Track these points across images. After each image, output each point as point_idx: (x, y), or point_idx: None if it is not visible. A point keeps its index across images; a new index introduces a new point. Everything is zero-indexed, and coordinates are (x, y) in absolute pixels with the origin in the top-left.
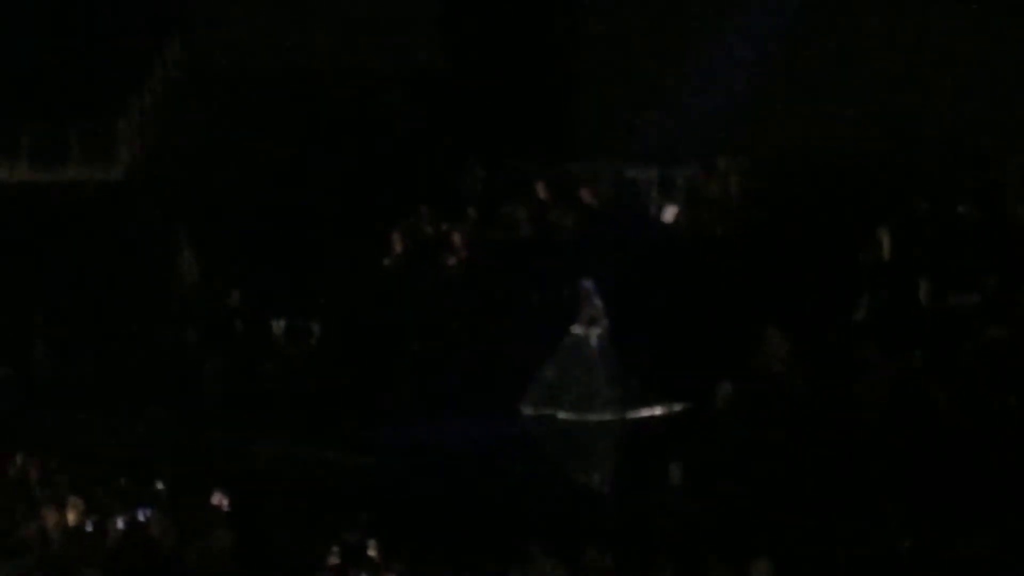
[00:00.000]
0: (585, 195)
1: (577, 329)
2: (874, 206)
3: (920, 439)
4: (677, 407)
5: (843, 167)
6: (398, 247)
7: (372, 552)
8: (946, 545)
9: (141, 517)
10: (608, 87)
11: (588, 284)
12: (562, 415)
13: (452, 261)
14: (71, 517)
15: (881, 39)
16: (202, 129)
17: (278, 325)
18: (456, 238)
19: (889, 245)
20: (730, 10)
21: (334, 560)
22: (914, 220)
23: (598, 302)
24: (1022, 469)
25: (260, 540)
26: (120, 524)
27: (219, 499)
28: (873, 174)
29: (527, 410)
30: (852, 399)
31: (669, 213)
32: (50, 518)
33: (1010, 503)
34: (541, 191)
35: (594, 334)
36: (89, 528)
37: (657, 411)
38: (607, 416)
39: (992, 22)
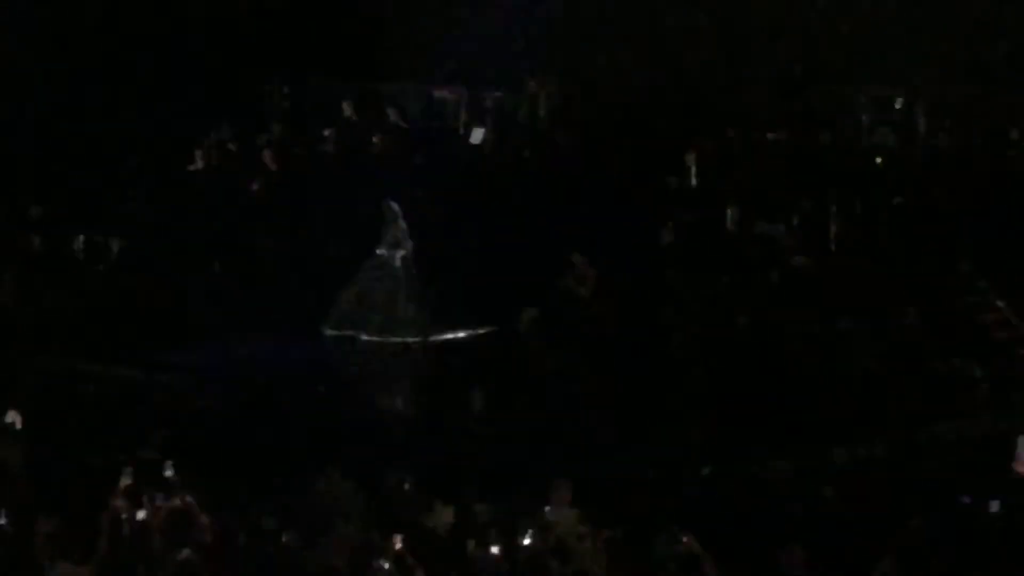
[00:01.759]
0: (392, 115)
1: (381, 250)
2: (683, 132)
3: (722, 364)
4: (481, 330)
5: (653, 92)
6: (201, 163)
7: (168, 472)
8: (744, 468)
9: None
10: (418, 6)
11: (394, 205)
12: (365, 337)
13: (256, 178)
14: None
15: None
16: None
17: (78, 241)
18: (262, 155)
19: (697, 171)
20: None
21: (128, 480)
22: (723, 146)
23: (403, 224)
24: (818, 395)
25: (54, 459)
26: None
27: (13, 417)
28: (683, 100)
29: (329, 331)
30: (657, 324)
31: (476, 135)
32: None
33: (807, 427)
34: (348, 110)
35: (398, 256)
36: None
37: (461, 334)
38: (410, 338)
39: None
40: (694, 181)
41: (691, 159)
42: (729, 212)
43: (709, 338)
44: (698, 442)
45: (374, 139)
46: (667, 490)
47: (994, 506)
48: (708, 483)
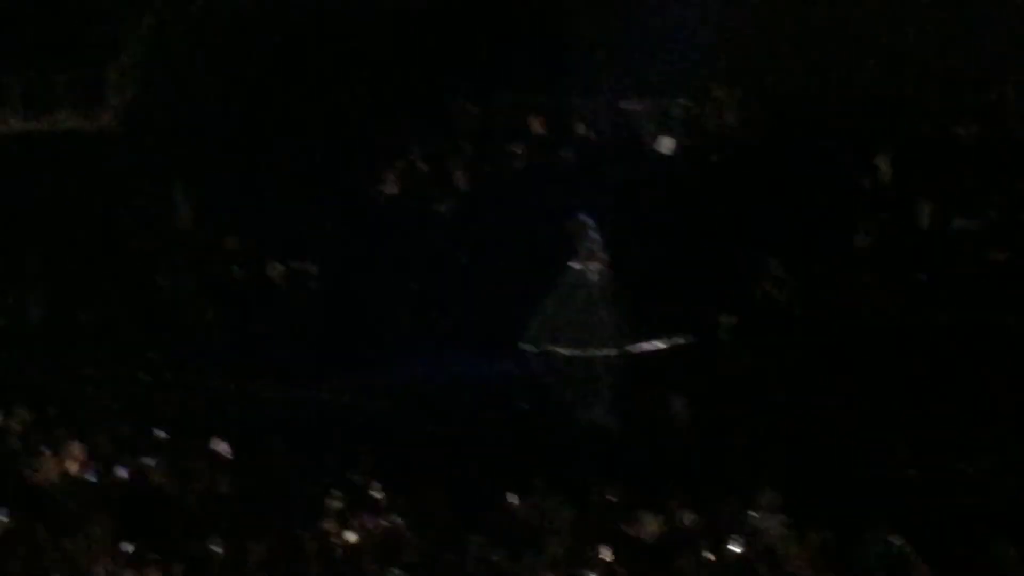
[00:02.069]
0: (581, 128)
1: (576, 264)
2: (872, 131)
3: (922, 364)
4: (679, 340)
5: (840, 94)
6: (393, 185)
7: (376, 493)
8: (950, 469)
9: (142, 464)
10: (602, 20)
11: (586, 218)
12: (563, 351)
13: (449, 197)
14: (73, 466)
15: None
16: (192, 73)
17: (275, 268)
18: (452, 174)
19: (888, 169)
20: None
21: (337, 503)
22: (913, 144)
23: (596, 236)
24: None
25: (262, 485)
26: (122, 472)
27: (220, 445)
28: (871, 99)
29: (527, 347)
30: (855, 325)
31: (665, 144)
32: (52, 467)
33: (1013, 427)
34: (536, 125)
35: (593, 269)
36: (91, 477)
37: (659, 344)
38: (608, 351)
39: None
40: (886, 180)
41: (882, 159)
42: (923, 210)
43: (909, 338)
44: (903, 443)
45: (563, 153)
46: (875, 492)
47: None
48: (916, 484)
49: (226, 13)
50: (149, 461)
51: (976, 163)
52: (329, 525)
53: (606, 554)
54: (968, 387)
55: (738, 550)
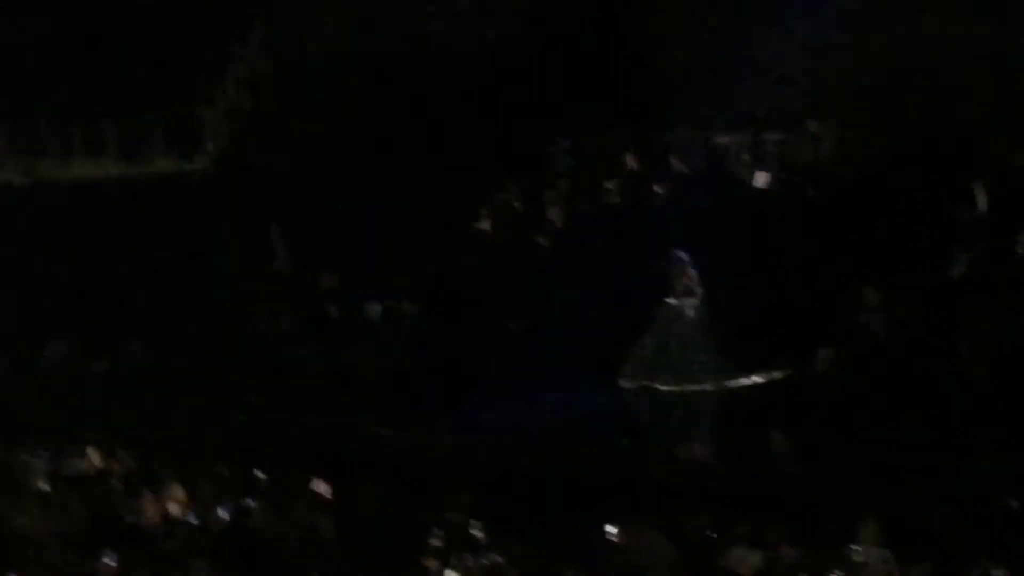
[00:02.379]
0: (676, 163)
1: (672, 300)
2: (968, 161)
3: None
4: (777, 374)
5: (934, 123)
6: (488, 224)
7: (476, 532)
8: None
9: (243, 506)
10: (695, 54)
11: (682, 254)
12: (661, 387)
13: (544, 235)
14: (174, 508)
15: None
16: (287, 116)
17: (372, 308)
18: (548, 212)
19: (985, 199)
20: None
21: (438, 542)
22: (1010, 173)
23: (692, 272)
24: None
25: (363, 525)
26: (223, 514)
27: (320, 485)
28: (965, 129)
29: (626, 383)
30: (955, 357)
31: (761, 179)
32: (152, 509)
33: None
34: (631, 161)
35: (689, 304)
36: (192, 519)
37: (757, 379)
38: (706, 386)
39: None
40: (983, 209)
41: (979, 188)
42: (1021, 239)
43: (1008, 368)
44: (1006, 474)
45: (658, 188)
46: (977, 524)
47: None
48: (1019, 515)
49: (322, 55)
50: (250, 502)
51: None
52: (430, 564)
53: None
54: None
55: None
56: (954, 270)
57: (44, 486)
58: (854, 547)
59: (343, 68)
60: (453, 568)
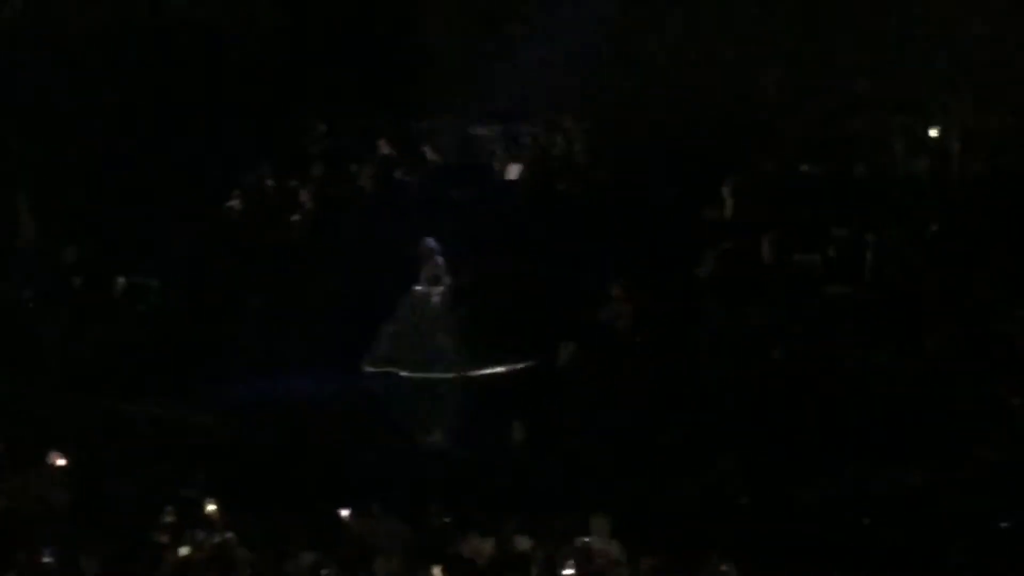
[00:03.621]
0: (429, 152)
1: (420, 287)
2: (718, 163)
3: (760, 397)
4: (520, 365)
5: (686, 125)
6: (240, 203)
7: (210, 509)
8: (783, 496)
9: None
10: (452, 44)
11: (431, 242)
12: (404, 373)
13: (296, 217)
14: None
15: None
16: (37, 84)
17: (118, 283)
18: (299, 194)
19: (732, 202)
20: None
21: (171, 518)
22: (757, 177)
23: (441, 260)
24: (856, 423)
25: (97, 498)
26: None
27: (56, 457)
28: (716, 132)
29: (369, 367)
30: (695, 356)
31: (513, 170)
32: None
33: (842, 455)
34: (385, 147)
35: (436, 292)
36: None
37: (500, 369)
38: (449, 374)
39: None
40: (729, 212)
41: (727, 190)
42: (765, 242)
43: (746, 369)
44: (736, 471)
45: (410, 176)
46: (707, 519)
47: None
48: (747, 511)
49: (80, 24)
50: None
51: (821, 197)
52: (163, 539)
53: (437, 574)
54: (802, 418)
55: (570, 573)
56: (699, 270)
57: None
58: (586, 539)
59: (100, 40)
60: (185, 544)
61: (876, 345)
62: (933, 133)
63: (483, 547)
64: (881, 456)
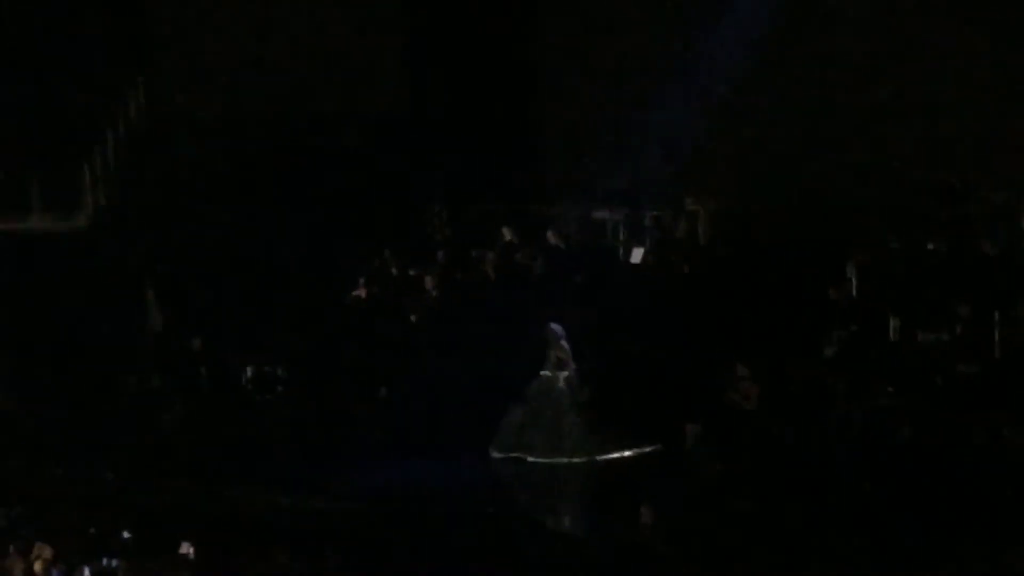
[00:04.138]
0: (552, 237)
1: (546, 372)
2: (842, 243)
3: (891, 477)
4: (648, 448)
5: (811, 205)
6: (365, 291)
7: None
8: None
9: (108, 566)
10: (574, 129)
11: (556, 327)
12: (532, 459)
13: (420, 304)
14: (38, 566)
15: (844, 77)
16: (166, 176)
17: (246, 372)
18: (424, 281)
19: (858, 282)
20: (696, 54)
21: None
22: (883, 256)
23: (566, 344)
24: (993, 504)
25: None
26: (87, 573)
27: (187, 548)
28: (841, 211)
29: (496, 454)
30: (823, 437)
31: (636, 254)
32: (18, 568)
33: (982, 539)
34: (508, 233)
35: (562, 377)
36: None
37: (627, 453)
38: (576, 459)
39: (953, 57)
40: (855, 292)
41: (851, 270)
42: (891, 322)
43: (874, 450)
44: (867, 556)
45: (535, 261)
46: None
47: None
48: None
49: (200, 117)
50: (115, 562)
51: (943, 276)
52: None
53: None
54: (933, 499)
55: None
56: (826, 351)
57: None
58: None
59: (222, 129)
60: None
61: (1006, 423)
62: None
63: None
64: (1014, 536)
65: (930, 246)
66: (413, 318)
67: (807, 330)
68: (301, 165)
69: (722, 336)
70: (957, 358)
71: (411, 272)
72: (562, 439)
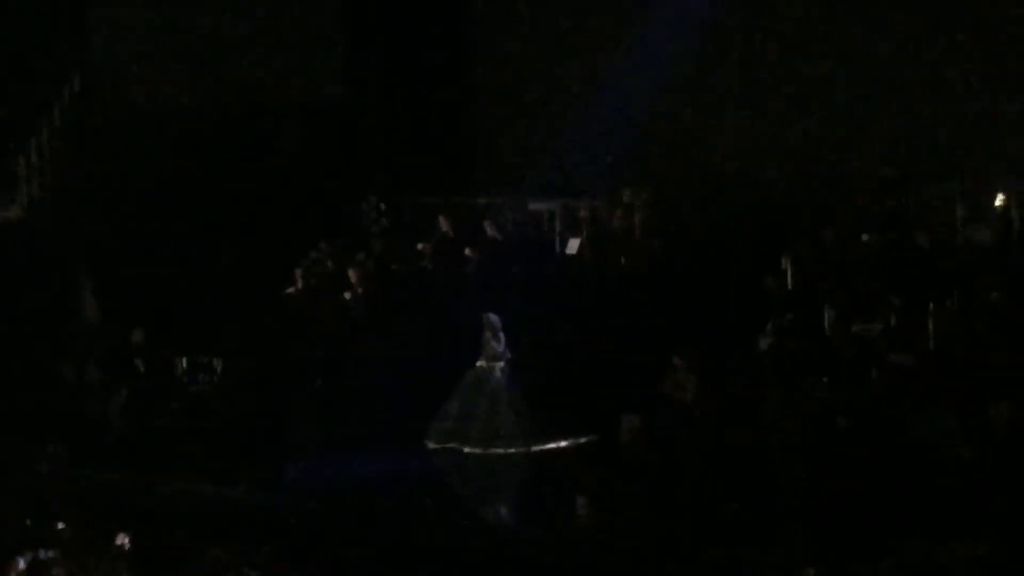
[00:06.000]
0: (488, 228)
1: (481, 363)
2: (778, 235)
3: (826, 467)
4: (583, 439)
5: (746, 197)
6: (300, 282)
7: None
8: (849, 570)
9: (43, 557)
10: (510, 120)
11: (493, 317)
12: (467, 449)
13: (355, 295)
14: None
15: (780, 70)
16: (101, 167)
17: (180, 362)
18: (359, 272)
19: (793, 273)
20: (632, 46)
21: None
22: (818, 248)
23: (502, 335)
24: (927, 495)
25: None
26: (22, 564)
27: (122, 539)
28: (776, 203)
29: (432, 444)
30: (758, 427)
31: (573, 245)
32: None
33: (911, 528)
34: (444, 224)
35: (498, 367)
36: None
37: (563, 444)
38: (512, 450)
39: (894, 50)
40: (790, 283)
41: (786, 261)
42: (826, 313)
43: (810, 440)
44: (803, 547)
45: (471, 252)
46: None
47: None
48: None
49: (137, 108)
50: (50, 554)
51: (877, 268)
52: None
53: None
54: (867, 489)
55: None
56: (761, 342)
57: None
58: None
59: (159, 120)
60: None
61: (940, 414)
62: (996, 202)
63: None
64: (947, 528)
65: (864, 238)
66: (349, 310)
67: (743, 321)
68: (236, 157)
69: (658, 327)
70: (891, 349)
71: (347, 264)
72: (498, 429)
